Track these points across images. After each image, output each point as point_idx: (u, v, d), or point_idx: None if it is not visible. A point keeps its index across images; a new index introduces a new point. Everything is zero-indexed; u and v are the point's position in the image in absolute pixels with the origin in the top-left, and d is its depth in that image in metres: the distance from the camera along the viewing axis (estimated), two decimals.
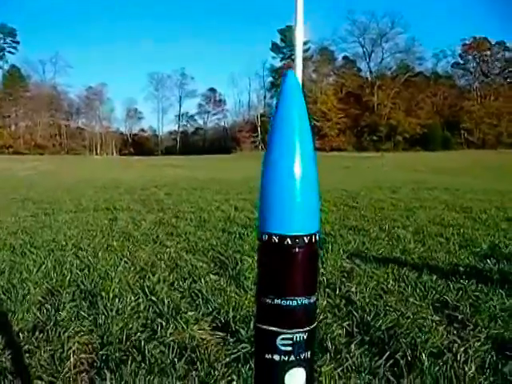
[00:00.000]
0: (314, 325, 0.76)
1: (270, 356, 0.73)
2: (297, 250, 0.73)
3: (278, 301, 0.72)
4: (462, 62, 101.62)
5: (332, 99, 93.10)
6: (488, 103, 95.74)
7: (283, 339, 0.72)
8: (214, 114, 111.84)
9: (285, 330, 0.72)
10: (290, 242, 0.73)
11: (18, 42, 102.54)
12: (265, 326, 0.74)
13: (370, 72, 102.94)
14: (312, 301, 0.74)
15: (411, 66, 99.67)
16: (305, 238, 0.75)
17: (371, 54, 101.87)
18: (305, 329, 0.73)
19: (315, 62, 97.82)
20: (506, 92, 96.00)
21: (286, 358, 0.72)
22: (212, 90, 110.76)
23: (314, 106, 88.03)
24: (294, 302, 0.72)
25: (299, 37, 0.91)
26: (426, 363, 3.26)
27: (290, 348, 0.72)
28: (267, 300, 0.73)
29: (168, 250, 6.89)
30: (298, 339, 0.72)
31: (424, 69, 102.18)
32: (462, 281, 5.15)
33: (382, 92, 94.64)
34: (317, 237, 0.76)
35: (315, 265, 0.75)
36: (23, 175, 30.84)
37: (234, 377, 3.08)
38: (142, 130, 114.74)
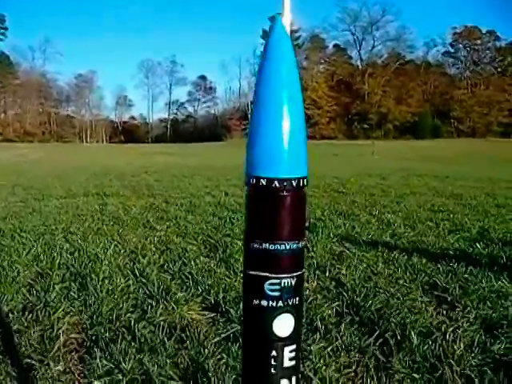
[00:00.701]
0: (303, 271, 0.75)
1: (257, 302, 0.72)
2: (284, 193, 0.73)
3: (266, 245, 0.71)
4: (452, 50, 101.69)
5: (323, 87, 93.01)
6: (478, 92, 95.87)
7: (271, 284, 0.71)
8: (205, 102, 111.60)
9: (273, 275, 0.71)
10: (277, 185, 0.72)
11: (6, 29, 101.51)
12: (253, 272, 0.74)
13: (361, 60, 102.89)
14: (300, 246, 0.73)
15: (402, 54, 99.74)
16: (293, 182, 0.74)
17: (362, 41, 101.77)
18: (293, 274, 0.72)
19: (306, 49, 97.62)
20: (496, 81, 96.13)
21: (274, 304, 0.72)
22: (202, 77, 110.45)
23: (304, 93, 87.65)
24: (282, 247, 0.71)
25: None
26: (415, 342, 3.27)
27: (277, 293, 0.71)
28: (255, 245, 0.72)
29: (158, 233, 6.89)
30: (285, 284, 0.72)
31: (415, 57, 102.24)
32: (451, 264, 5.18)
33: (373, 80, 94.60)
34: (305, 181, 0.76)
35: (303, 210, 0.74)
36: (13, 162, 30.71)
37: (224, 355, 3.08)
38: (132, 118, 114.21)
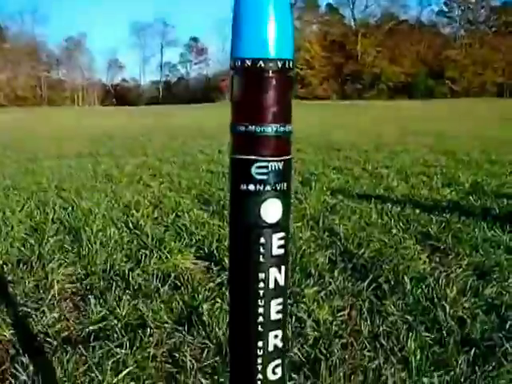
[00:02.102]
0: (290, 156, 0.74)
1: (245, 187, 0.71)
2: (270, 74, 0.71)
3: (252, 127, 0.70)
4: (446, 9, 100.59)
5: (315, 47, 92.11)
6: (473, 52, 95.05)
7: (258, 167, 0.70)
8: (197, 63, 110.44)
9: (260, 158, 0.70)
10: (263, 66, 0.71)
11: None
12: (239, 156, 0.73)
13: (354, 20, 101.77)
14: (287, 130, 0.71)
15: (396, 13, 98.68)
16: (278, 63, 0.72)
17: (355, 1, 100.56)
18: (280, 158, 0.71)
19: (298, 9, 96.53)
20: (490, 41, 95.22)
21: (262, 188, 0.71)
22: (194, 38, 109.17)
23: (297, 53, 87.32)
24: (269, 129, 0.70)
25: None
26: (408, 286, 3.30)
27: (265, 177, 0.70)
28: (241, 128, 0.71)
29: (152, 189, 6.89)
30: (273, 168, 0.70)
31: (408, 17, 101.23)
32: (444, 214, 5.20)
33: (366, 40, 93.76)
34: (290, 64, 0.74)
35: (289, 93, 0.72)
36: (4, 126, 30.46)
37: (219, 300, 3.10)
38: (124, 81, 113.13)
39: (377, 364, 2.41)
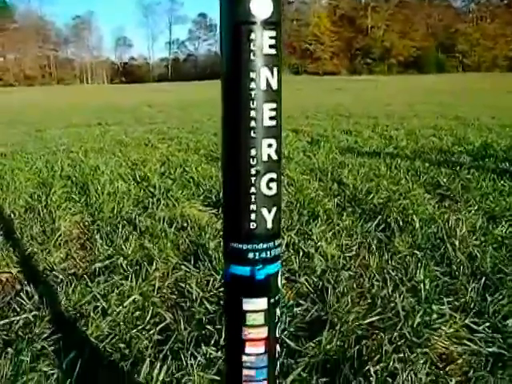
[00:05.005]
0: None
1: None
2: None
3: None
4: None
5: (325, 22, 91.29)
6: (484, 25, 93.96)
7: None
8: (205, 40, 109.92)
9: None
10: None
11: None
12: None
13: None
14: None
15: None
16: None
17: None
18: None
19: None
20: (502, 14, 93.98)
21: None
22: (202, 15, 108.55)
23: (306, 28, 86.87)
24: None
25: None
26: (417, 225, 3.27)
27: None
28: None
29: (160, 150, 6.88)
30: None
31: None
32: (453, 168, 5.16)
33: (376, 14, 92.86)
34: None
35: None
36: (13, 103, 30.47)
37: None
38: (133, 59, 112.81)
39: (385, 292, 2.39)
